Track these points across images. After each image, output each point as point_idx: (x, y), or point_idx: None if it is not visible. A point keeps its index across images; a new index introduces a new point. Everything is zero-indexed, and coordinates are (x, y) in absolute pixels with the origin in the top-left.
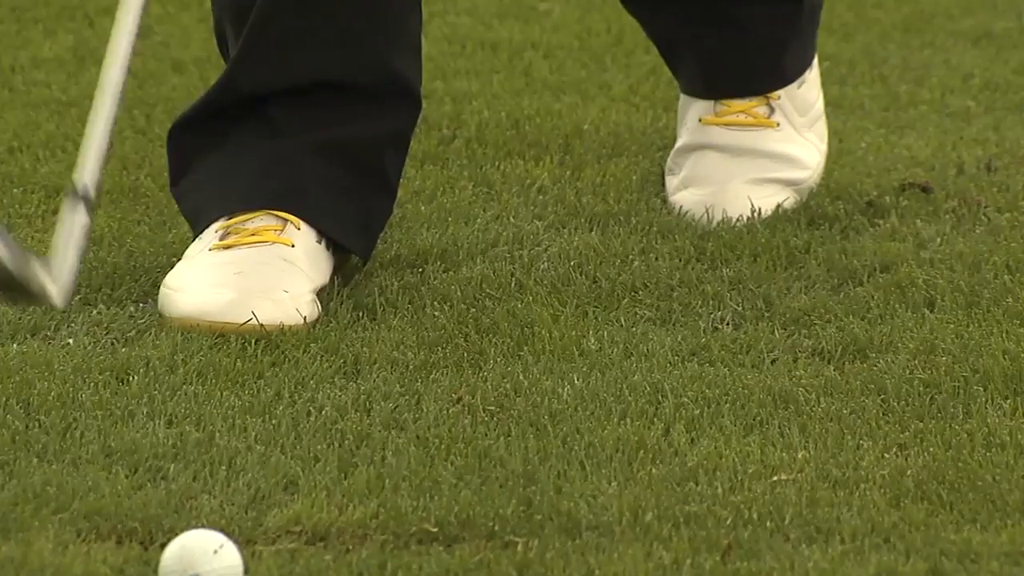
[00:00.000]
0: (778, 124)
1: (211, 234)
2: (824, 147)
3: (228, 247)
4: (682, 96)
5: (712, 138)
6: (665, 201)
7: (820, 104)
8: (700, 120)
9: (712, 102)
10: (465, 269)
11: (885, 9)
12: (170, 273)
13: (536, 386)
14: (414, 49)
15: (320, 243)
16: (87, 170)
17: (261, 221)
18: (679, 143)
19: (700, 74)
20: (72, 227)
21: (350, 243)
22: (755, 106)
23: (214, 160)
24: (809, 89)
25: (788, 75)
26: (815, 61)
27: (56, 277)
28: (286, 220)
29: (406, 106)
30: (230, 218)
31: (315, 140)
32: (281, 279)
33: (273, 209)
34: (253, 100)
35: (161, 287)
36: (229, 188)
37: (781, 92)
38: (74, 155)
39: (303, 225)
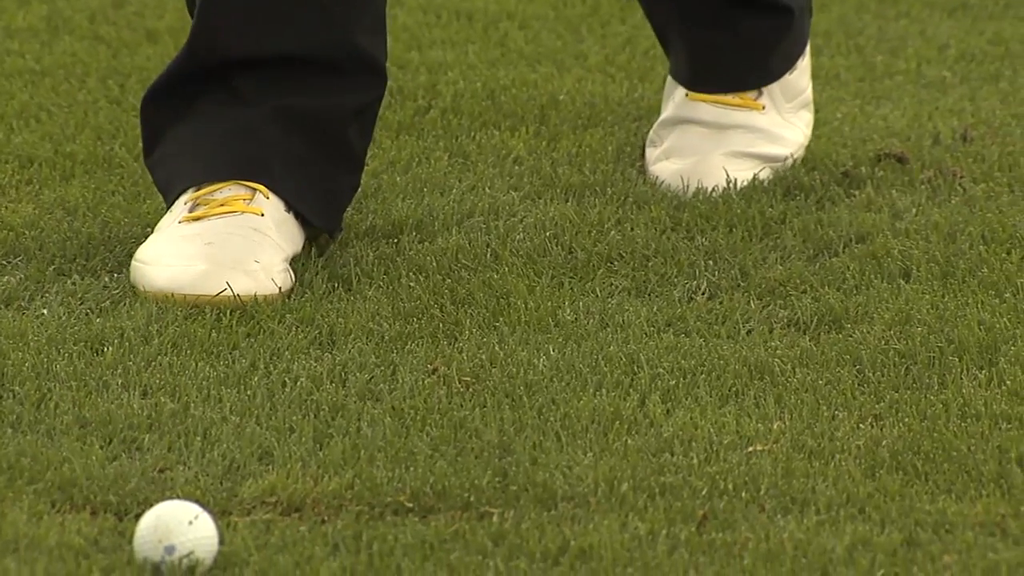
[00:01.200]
0: (764, 107)
1: (180, 206)
2: (808, 132)
3: (198, 219)
4: (670, 76)
5: (697, 113)
6: (642, 172)
7: (809, 92)
8: (687, 95)
9: None
10: (440, 240)
11: None
12: (141, 246)
13: (511, 357)
14: (379, 24)
15: (289, 212)
16: None
17: (230, 191)
18: (663, 115)
19: (688, 67)
20: None
21: (312, 215)
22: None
23: (181, 130)
24: (800, 76)
25: (774, 74)
26: (807, 49)
27: None
28: (255, 189)
29: (370, 81)
30: (198, 189)
31: (277, 110)
32: (252, 249)
33: (240, 179)
34: (217, 69)
35: (133, 260)
36: (197, 158)
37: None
38: (48, 124)
39: (271, 194)
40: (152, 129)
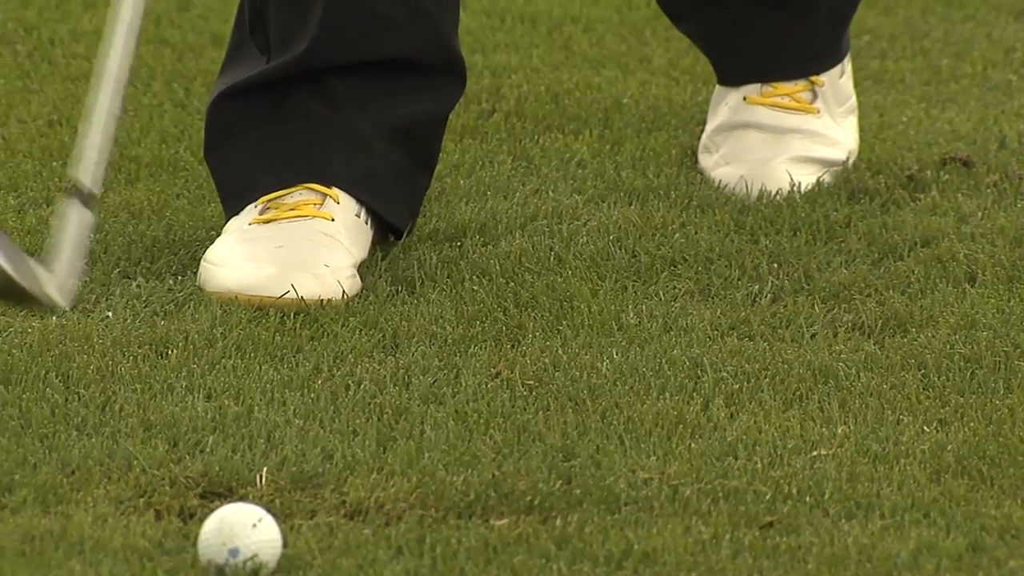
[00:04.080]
0: (819, 111)
1: (251, 208)
2: (857, 137)
3: (268, 221)
4: (718, 86)
5: (756, 117)
6: (707, 176)
7: (854, 99)
8: (745, 99)
9: (759, 84)
10: (504, 243)
11: None
12: (210, 248)
13: (575, 360)
14: (458, 28)
15: (359, 216)
16: (86, 167)
17: (300, 195)
18: (717, 122)
19: (748, 54)
20: (71, 225)
21: (397, 220)
22: (800, 91)
23: (258, 133)
24: (847, 81)
25: (841, 53)
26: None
27: (57, 277)
28: (325, 194)
29: (459, 85)
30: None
31: (379, 118)
32: (322, 253)
33: (312, 183)
34: (315, 73)
35: (202, 262)
36: (272, 164)
37: (825, 78)
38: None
39: (342, 197)
40: (223, 127)
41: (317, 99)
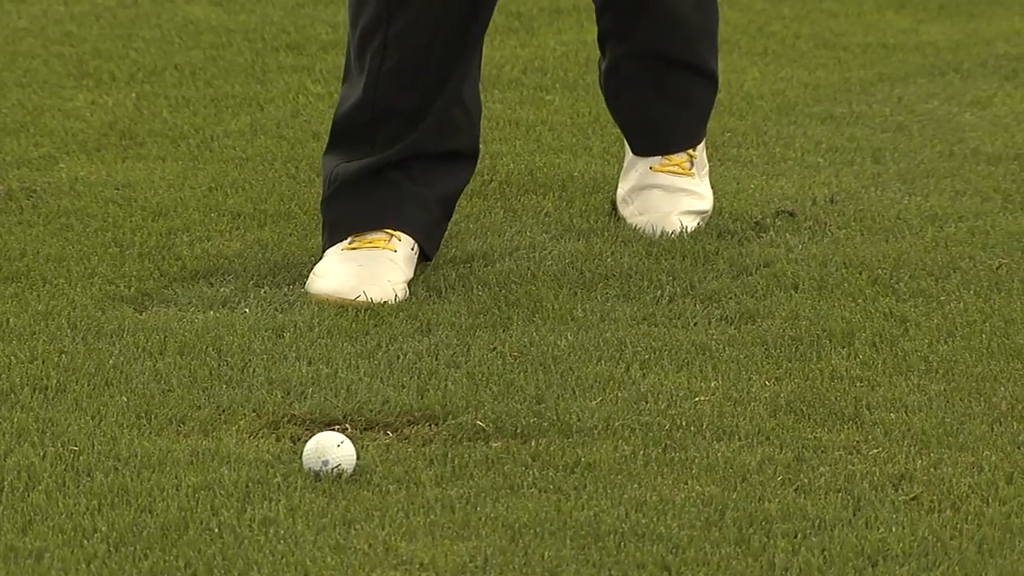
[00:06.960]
0: (694, 174)
1: (346, 240)
2: (711, 192)
3: (354, 248)
4: (630, 156)
5: (658, 180)
6: (626, 222)
7: (708, 166)
8: (651, 168)
9: (659, 157)
10: (498, 264)
11: (765, 99)
12: (316, 264)
13: (544, 340)
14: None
15: (413, 251)
16: None
17: (376, 235)
18: (631, 184)
19: (655, 137)
20: None
21: (430, 251)
22: (684, 161)
23: (360, 191)
24: (703, 152)
25: (704, 132)
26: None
27: None
28: (392, 235)
29: (475, 164)
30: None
31: (437, 189)
32: (386, 271)
33: (388, 228)
34: (407, 159)
35: (311, 274)
36: (362, 212)
37: (696, 151)
38: (250, 191)
39: (404, 238)
40: (336, 188)
41: (403, 175)
